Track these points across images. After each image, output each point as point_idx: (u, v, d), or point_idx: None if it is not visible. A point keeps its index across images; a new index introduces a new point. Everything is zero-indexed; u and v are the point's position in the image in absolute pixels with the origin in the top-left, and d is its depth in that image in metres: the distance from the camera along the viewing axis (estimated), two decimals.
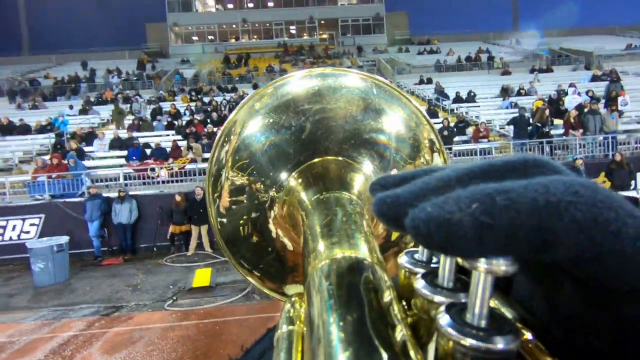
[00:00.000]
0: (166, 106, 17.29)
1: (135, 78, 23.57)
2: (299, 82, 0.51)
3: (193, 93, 20.29)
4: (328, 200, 0.42)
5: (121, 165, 11.68)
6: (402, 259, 0.27)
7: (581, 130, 10.89)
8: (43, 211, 9.57)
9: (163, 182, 11.13)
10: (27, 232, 9.47)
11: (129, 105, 17.83)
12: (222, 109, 16.76)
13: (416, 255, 0.27)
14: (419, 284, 0.23)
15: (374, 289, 0.25)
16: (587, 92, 13.92)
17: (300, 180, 0.46)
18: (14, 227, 9.43)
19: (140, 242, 9.84)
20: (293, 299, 0.39)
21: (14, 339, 5.13)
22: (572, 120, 10.80)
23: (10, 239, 9.34)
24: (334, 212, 0.39)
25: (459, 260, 0.18)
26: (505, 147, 12.05)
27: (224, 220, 0.49)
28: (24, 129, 14.65)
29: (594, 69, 19.98)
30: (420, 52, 29.43)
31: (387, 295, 0.24)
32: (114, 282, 7.59)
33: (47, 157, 10.98)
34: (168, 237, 9.69)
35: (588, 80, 17.91)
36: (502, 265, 0.17)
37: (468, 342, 0.17)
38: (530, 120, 11.89)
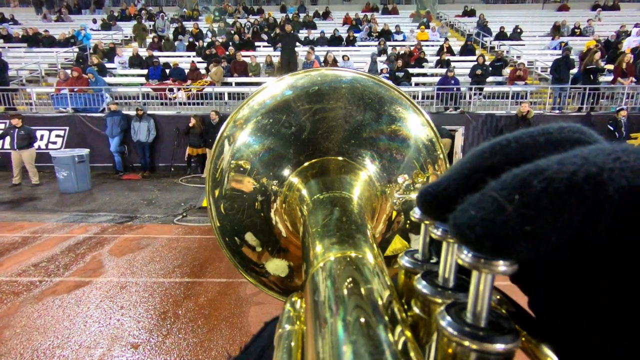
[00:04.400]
0: (189, 25, 16.67)
1: None
2: (299, 82, 0.51)
3: (217, 13, 19.34)
4: (328, 200, 0.41)
5: (141, 84, 11.70)
6: (402, 259, 0.27)
7: (632, 79, 9.69)
8: (67, 124, 9.94)
9: (181, 103, 11.14)
10: (54, 143, 9.97)
11: (152, 22, 17.32)
12: (246, 32, 16.01)
13: (416, 255, 0.27)
14: (419, 284, 0.23)
15: (374, 289, 0.25)
16: None
17: (300, 180, 0.46)
18: (41, 137, 9.91)
19: (159, 161, 10.20)
20: (293, 298, 0.38)
21: (36, 235, 5.64)
22: (624, 66, 9.55)
23: (39, 147, 9.86)
24: (334, 212, 0.38)
25: (459, 260, 0.18)
26: (542, 91, 11.05)
27: (225, 221, 0.50)
28: (50, 41, 14.69)
29: None
30: None
31: (387, 295, 0.24)
32: (131, 195, 8.03)
33: (69, 71, 11.09)
34: (185, 159, 9.96)
35: None
36: (501, 266, 0.17)
37: (468, 342, 0.17)
38: (577, 65, 10.65)
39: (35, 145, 8.83)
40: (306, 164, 0.47)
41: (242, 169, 0.48)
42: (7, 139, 8.60)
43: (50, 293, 3.93)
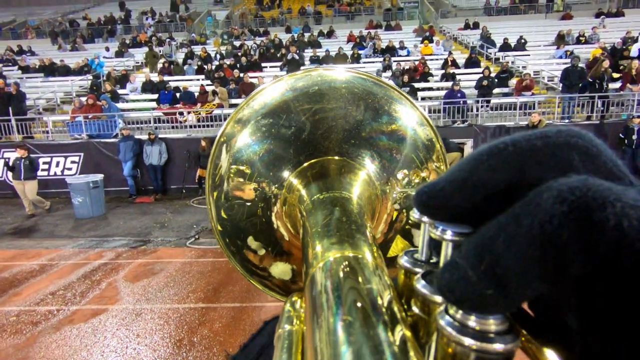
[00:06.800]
0: (198, 49, 17.15)
1: (168, 20, 23.34)
2: (298, 82, 0.51)
3: (225, 37, 19.89)
4: (328, 200, 0.41)
5: (153, 109, 12.00)
6: (402, 259, 0.27)
7: None
8: (82, 150, 10.20)
9: (191, 126, 11.36)
10: (69, 169, 10.22)
11: (162, 48, 17.88)
12: (253, 53, 16.39)
13: (416, 255, 0.27)
14: (419, 283, 0.23)
15: (374, 289, 0.25)
16: None
17: (300, 180, 0.46)
18: (57, 164, 10.20)
19: (171, 184, 10.35)
20: (293, 298, 0.38)
21: (53, 262, 5.74)
22: (633, 73, 9.47)
23: (55, 174, 10.14)
24: (334, 212, 0.38)
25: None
26: (550, 101, 10.99)
27: (225, 222, 0.49)
28: (65, 70, 15.24)
29: None
30: None
31: (387, 295, 0.24)
32: (145, 219, 8.14)
33: (84, 98, 11.45)
34: (196, 180, 10.10)
35: None
36: None
37: (468, 341, 0.17)
38: (585, 72, 10.58)
39: (37, 174, 8.72)
40: (306, 164, 0.47)
41: (241, 169, 0.48)
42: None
43: (68, 322, 3.97)
